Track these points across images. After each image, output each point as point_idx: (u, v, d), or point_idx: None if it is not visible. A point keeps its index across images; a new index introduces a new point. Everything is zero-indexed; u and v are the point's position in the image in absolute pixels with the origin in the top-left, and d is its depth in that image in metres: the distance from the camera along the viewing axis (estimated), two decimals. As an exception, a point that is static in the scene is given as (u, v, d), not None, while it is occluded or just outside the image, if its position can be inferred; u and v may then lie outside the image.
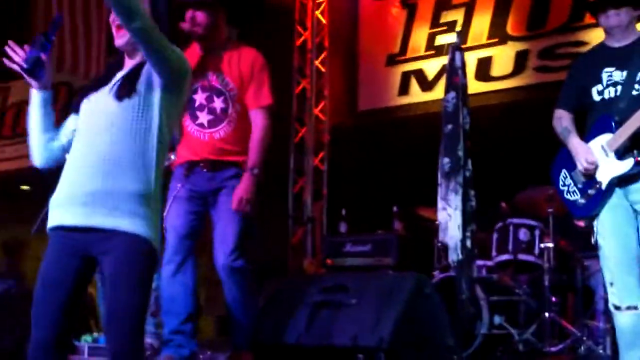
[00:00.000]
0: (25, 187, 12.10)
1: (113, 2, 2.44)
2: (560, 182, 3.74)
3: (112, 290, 2.49)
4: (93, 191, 2.51)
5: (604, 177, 3.54)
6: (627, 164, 3.46)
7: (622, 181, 3.51)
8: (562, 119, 3.78)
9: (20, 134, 11.09)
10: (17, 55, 2.66)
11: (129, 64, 2.70)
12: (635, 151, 3.43)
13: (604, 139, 3.56)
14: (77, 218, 2.53)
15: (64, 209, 2.57)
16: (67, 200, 2.57)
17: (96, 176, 2.53)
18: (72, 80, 9.02)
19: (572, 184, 3.68)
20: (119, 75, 2.68)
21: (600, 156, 3.56)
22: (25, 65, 2.67)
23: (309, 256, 7.72)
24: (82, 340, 4.99)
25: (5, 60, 2.67)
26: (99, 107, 2.63)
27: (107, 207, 2.49)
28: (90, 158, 2.56)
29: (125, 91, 2.59)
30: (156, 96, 2.59)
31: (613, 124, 3.52)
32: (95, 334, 5.03)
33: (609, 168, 3.52)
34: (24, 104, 11.19)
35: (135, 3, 2.43)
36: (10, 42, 2.67)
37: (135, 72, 2.62)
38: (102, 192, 2.50)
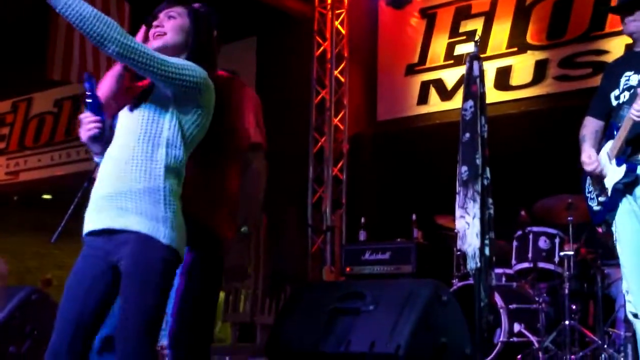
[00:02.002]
0: (47, 196, 12.23)
1: (84, 32, 2.45)
2: (586, 189, 3.75)
3: (122, 294, 2.51)
4: (106, 194, 2.55)
5: (609, 183, 3.54)
6: (622, 171, 3.46)
7: (629, 186, 3.49)
8: (586, 127, 3.77)
9: (42, 144, 11.23)
10: (95, 123, 2.64)
11: None
12: (628, 157, 3.43)
13: (609, 145, 3.57)
14: (95, 222, 2.58)
15: (87, 216, 2.63)
16: (90, 206, 2.62)
17: (109, 180, 2.57)
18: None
19: (593, 191, 3.69)
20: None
21: (606, 163, 3.56)
22: (98, 134, 2.63)
23: (328, 265, 7.73)
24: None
25: (85, 134, 2.63)
26: (120, 120, 2.68)
27: (116, 207, 2.52)
28: (107, 165, 2.61)
29: (135, 100, 2.63)
30: (168, 106, 2.60)
31: (615, 130, 3.52)
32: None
33: (612, 175, 3.53)
34: (46, 115, 11.35)
35: (102, 30, 2.42)
36: (84, 116, 2.65)
37: (151, 83, 2.66)
38: (112, 194, 2.53)
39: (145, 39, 2.74)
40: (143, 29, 2.78)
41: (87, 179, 3.00)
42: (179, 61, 2.61)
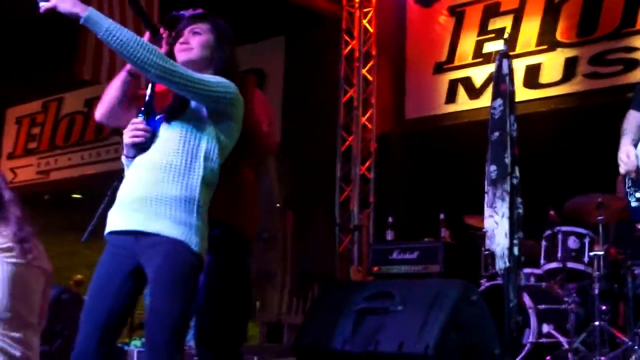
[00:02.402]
0: (77, 196, 12.34)
1: (125, 57, 2.53)
2: (626, 185, 3.69)
3: (151, 296, 2.54)
4: (139, 197, 2.59)
5: None
6: None
7: None
8: (628, 120, 3.68)
9: (72, 144, 11.34)
10: (143, 132, 2.68)
11: None
12: None
13: None
14: (125, 222, 2.61)
15: (115, 215, 2.66)
16: (119, 206, 2.66)
17: (144, 183, 2.61)
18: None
19: (632, 187, 3.63)
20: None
21: None
22: (143, 142, 2.67)
23: (355, 264, 7.72)
24: (132, 345, 5.06)
25: (131, 139, 2.68)
26: (160, 130, 2.71)
27: (150, 211, 2.56)
28: (142, 167, 2.65)
29: (174, 113, 2.68)
30: (205, 120, 2.66)
31: None
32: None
33: None
34: (76, 115, 11.46)
35: (143, 55, 2.49)
36: (136, 121, 2.69)
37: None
38: (147, 198, 2.57)
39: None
40: (147, 35, 2.81)
41: (118, 178, 3.03)
42: (213, 78, 2.67)
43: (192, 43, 2.80)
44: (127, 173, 2.72)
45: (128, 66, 2.81)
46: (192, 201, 2.58)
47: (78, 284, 10.41)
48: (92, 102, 11.11)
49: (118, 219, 2.64)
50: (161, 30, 2.84)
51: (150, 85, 2.77)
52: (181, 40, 2.79)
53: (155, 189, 2.57)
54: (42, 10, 2.50)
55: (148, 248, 2.55)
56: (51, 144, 11.66)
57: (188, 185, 2.59)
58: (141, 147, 2.67)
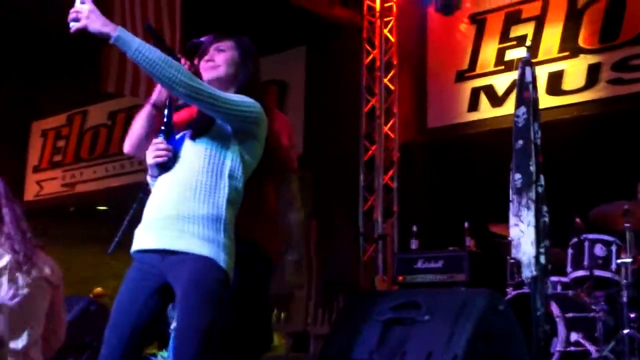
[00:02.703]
0: (102, 208, 12.43)
1: (153, 76, 2.56)
2: None
3: (179, 311, 2.56)
4: (166, 215, 2.62)
5: None
6: None
7: None
8: None
9: (97, 156, 11.43)
10: (165, 151, 2.71)
11: None
12: None
13: None
14: (151, 241, 2.64)
15: (143, 233, 2.69)
16: (146, 225, 2.68)
17: (170, 202, 2.63)
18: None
19: None
20: None
21: None
22: (166, 162, 2.70)
23: (380, 273, 7.71)
24: (159, 356, 5.07)
25: (153, 159, 2.70)
26: (184, 148, 2.73)
27: (177, 229, 2.58)
28: (168, 186, 2.68)
29: (199, 131, 2.70)
30: (230, 139, 2.69)
31: None
32: (171, 351, 5.10)
33: None
34: (100, 127, 11.55)
35: (171, 74, 2.52)
36: (157, 141, 2.72)
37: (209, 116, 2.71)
38: (174, 217, 2.60)
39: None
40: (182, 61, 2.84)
41: (143, 190, 3.06)
42: (239, 98, 2.70)
43: (218, 60, 2.83)
44: (153, 191, 2.74)
45: (152, 99, 2.85)
46: (219, 219, 2.60)
47: (98, 296, 10.48)
48: (115, 115, 11.22)
49: (145, 237, 2.67)
50: (182, 60, 2.87)
51: (167, 105, 2.80)
52: (206, 57, 2.82)
53: (181, 207, 2.60)
54: (72, 30, 2.54)
55: (175, 265, 2.57)
56: (76, 157, 11.75)
57: (214, 204, 2.61)
58: (164, 167, 2.69)
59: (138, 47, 2.49)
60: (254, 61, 2.90)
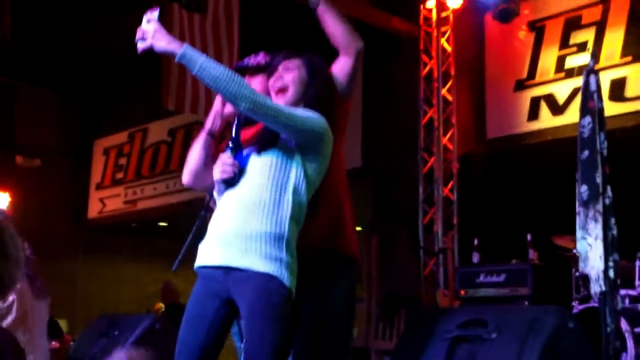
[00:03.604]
0: (163, 224, 12.59)
1: (217, 91, 2.61)
2: None
3: (247, 330, 2.57)
4: (229, 232, 2.63)
5: None
6: None
7: None
8: None
9: (157, 173, 11.58)
10: (232, 167, 2.73)
11: None
12: None
13: None
14: (216, 258, 2.65)
15: (207, 250, 2.70)
16: (210, 241, 2.69)
17: (234, 219, 2.64)
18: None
19: None
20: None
21: None
22: (232, 177, 2.71)
23: (441, 287, 7.63)
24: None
25: (220, 175, 2.72)
26: (250, 162, 2.75)
27: (241, 247, 2.59)
28: (232, 202, 2.68)
29: (264, 145, 2.71)
30: (294, 154, 2.69)
31: None
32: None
33: None
34: (161, 144, 11.71)
35: (235, 89, 2.54)
36: (225, 156, 2.75)
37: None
38: (238, 234, 2.61)
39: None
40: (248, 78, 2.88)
41: (205, 207, 3.08)
42: (304, 112, 2.70)
43: (286, 79, 2.83)
44: (218, 207, 2.75)
45: (207, 128, 2.88)
46: (281, 237, 2.60)
47: (157, 312, 10.60)
48: (175, 132, 11.35)
49: (208, 253, 2.69)
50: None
51: (236, 121, 2.81)
52: (275, 76, 2.82)
53: (244, 224, 2.60)
54: (140, 51, 2.58)
55: (239, 283, 2.58)
56: (137, 174, 11.93)
57: (277, 221, 2.61)
58: (230, 183, 2.70)
59: (202, 64, 2.53)
60: (323, 79, 2.88)
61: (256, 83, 3.07)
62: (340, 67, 3.09)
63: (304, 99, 2.82)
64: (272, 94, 2.83)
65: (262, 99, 2.60)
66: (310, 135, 2.68)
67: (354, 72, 3.13)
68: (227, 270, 2.61)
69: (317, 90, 2.83)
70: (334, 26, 3.12)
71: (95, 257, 12.29)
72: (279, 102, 2.78)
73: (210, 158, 2.86)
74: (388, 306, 6.78)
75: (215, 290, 2.65)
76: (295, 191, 2.66)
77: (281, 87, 2.83)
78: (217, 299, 2.65)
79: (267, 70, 2.94)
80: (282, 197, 2.63)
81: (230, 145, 2.77)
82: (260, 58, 3.10)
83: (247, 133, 2.88)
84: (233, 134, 2.78)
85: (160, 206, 11.33)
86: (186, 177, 2.97)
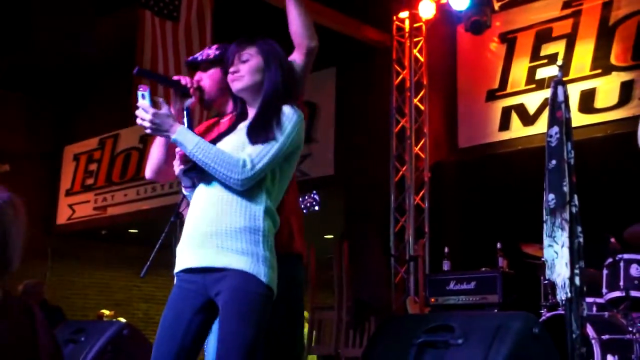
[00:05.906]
0: (133, 230, 12.51)
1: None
2: None
3: (220, 327, 2.54)
4: (204, 232, 2.60)
5: None
6: None
7: None
8: None
9: (128, 179, 11.52)
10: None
11: (251, 114, 2.78)
12: None
13: None
14: (192, 260, 2.62)
15: (182, 253, 2.67)
16: (185, 244, 2.67)
17: (206, 217, 2.62)
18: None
19: None
20: (242, 125, 2.75)
21: None
22: (191, 166, 2.72)
23: (412, 295, 7.65)
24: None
25: (179, 168, 2.76)
26: None
27: (215, 246, 2.56)
28: (204, 201, 2.66)
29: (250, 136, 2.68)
30: None
31: None
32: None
33: None
34: (132, 150, 11.66)
35: (222, 175, 2.58)
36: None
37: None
38: (211, 232, 2.58)
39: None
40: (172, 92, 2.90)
41: (174, 213, 3.07)
42: (287, 130, 2.64)
43: (242, 71, 2.75)
44: (190, 208, 2.73)
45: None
46: (257, 232, 2.57)
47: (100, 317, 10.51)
48: (146, 138, 11.30)
49: (185, 256, 2.65)
50: (183, 80, 2.91)
51: (185, 114, 2.82)
52: (232, 69, 2.76)
53: (218, 222, 2.58)
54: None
55: (217, 282, 2.55)
56: (108, 180, 11.86)
57: (251, 216, 2.58)
58: (192, 171, 2.69)
59: (192, 149, 2.58)
60: (280, 62, 2.80)
61: (208, 77, 3.08)
62: (292, 61, 3.07)
63: (262, 87, 2.76)
64: (231, 85, 2.77)
65: (249, 171, 2.56)
66: (296, 145, 2.69)
67: (304, 68, 3.12)
68: (204, 271, 2.58)
69: (274, 77, 2.75)
70: (293, 17, 3.15)
71: (64, 263, 12.20)
72: (236, 89, 2.76)
73: (170, 154, 2.85)
74: (358, 313, 6.78)
75: (194, 292, 2.61)
76: (269, 187, 2.64)
77: (237, 78, 2.75)
78: (195, 301, 2.60)
79: (221, 63, 2.92)
80: (256, 193, 2.61)
81: None
82: (211, 51, 3.09)
83: (221, 128, 2.88)
84: (185, 125, 2.76)
85: (131, 212, 11.26)
86: (148, 172, 2.98)
